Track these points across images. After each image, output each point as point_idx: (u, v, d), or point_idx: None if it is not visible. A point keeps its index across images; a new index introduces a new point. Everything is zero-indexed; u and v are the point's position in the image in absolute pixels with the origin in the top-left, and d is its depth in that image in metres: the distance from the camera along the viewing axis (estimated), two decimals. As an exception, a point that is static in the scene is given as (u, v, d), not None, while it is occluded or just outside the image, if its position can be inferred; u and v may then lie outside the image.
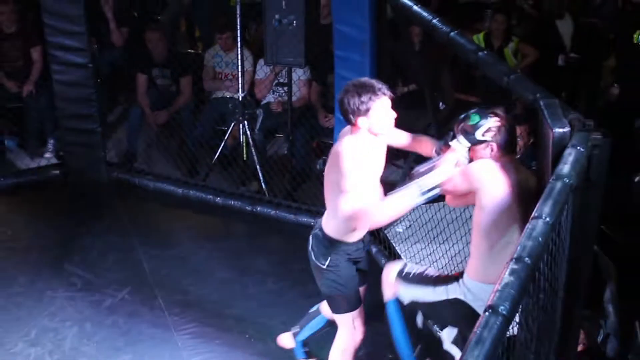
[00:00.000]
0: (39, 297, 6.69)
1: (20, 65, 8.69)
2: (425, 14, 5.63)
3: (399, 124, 7.61)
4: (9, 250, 7.35)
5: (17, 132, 8.85)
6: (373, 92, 4.53)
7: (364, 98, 4.49)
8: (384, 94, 4.59)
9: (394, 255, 6.88)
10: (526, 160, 6.59)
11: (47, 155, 8.74)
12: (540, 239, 2.93)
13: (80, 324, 6.30)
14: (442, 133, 7.74)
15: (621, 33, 7.82)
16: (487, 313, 2.60)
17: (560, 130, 3.72)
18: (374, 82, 4.61)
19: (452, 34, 5.16)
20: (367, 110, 4.53)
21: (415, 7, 5.77)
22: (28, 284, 6.87)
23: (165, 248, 7.28)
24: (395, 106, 7.39)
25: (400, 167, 7.73)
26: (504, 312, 2.59)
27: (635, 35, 7.61)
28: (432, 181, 4.36)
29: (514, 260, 2.82)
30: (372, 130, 4.65)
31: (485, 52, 5.08)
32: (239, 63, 8.03)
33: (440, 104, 8.07)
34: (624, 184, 6.42)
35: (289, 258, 7.23)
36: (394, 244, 6.98)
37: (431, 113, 7.35)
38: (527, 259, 2.82)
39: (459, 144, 4.42)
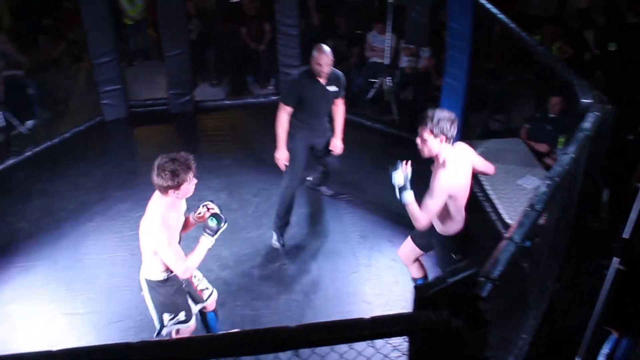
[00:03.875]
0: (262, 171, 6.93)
1: (258, 33, 8.79)
2: (506, 20, 5.43)
3: (480, 89, 7.39)
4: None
5: (255, 72, 9.00)
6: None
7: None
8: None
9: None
10: (561, 119, 6.40)
11: (270, 87, 8.89)
12: (565, 166, 2.88)
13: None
14: (507, 95, 7.59)
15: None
16: (527, 209, 2.57)
17: (586, 101, 3.61)
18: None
19: (522, 33, 4.98)
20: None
21: (500, 15, 5.58)
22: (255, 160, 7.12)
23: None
24: (479, 76, 7.23)
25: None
26: (539, 208, 2.56)
27: (610, 44, 7.39)
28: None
29: (547, 177, 2.78)
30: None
31: (543, 47, 4.91)
32: (388, 42, 7.93)
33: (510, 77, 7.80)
34: (622, 139, 6.16)
35: (408, 158, 7.20)
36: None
37: (503, 82, 7.20)
38: (556, 177, 2.77)
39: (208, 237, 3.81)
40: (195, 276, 4.22)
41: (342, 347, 4.51)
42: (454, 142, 3.92)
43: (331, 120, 5.64)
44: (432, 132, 3.85)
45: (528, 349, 4.03)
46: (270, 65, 8.70)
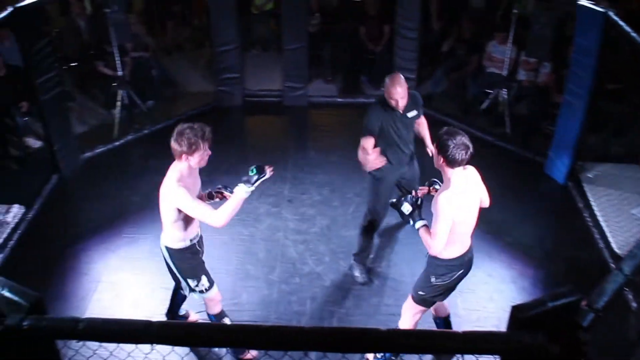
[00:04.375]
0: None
1: (377, 33, 8.78)
2: (638, 38, 5.16)
3: (601, 110, 7.00)
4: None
5: (369, 72, 8.98)
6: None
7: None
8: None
9: (582, 191, 6.50)
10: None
11: (383, 88, 8.63)
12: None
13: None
14: (631, 119, 7.20)
15: None
16: (641, 240, 2.44)
17: None
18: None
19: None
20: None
21: (633, 34, 5.31)
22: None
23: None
24: (602, 98, 6.88)
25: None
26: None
27: None
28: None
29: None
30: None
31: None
32: (508, 53, 7.72)
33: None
34: None
35: (517, 173, 7.05)
36: (583, 183, 6.59)
37: (627, 105, 6.87)
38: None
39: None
40: None
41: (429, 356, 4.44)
42: (459, 165, 3.78)
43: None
44: (437, 149, 3.79)
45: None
46: (386, 66, 8.65)
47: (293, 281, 5.39)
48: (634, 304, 4.72)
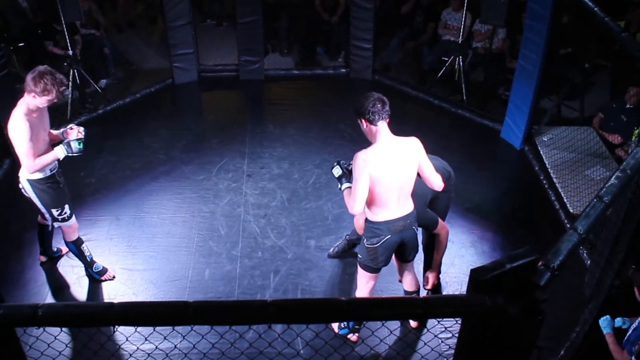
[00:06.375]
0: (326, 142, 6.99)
1: (332, 4, 8.72)
2: (590, 3, 5.21)
3: (554, 75, 7.07)
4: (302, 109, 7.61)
5: (325, 43, 8.97)
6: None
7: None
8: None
9: (539, 155, 6.63)
10: (638, 111, 6.18)
11: (340, 59, 8.82)
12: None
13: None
14: (583, 82, 7.32)
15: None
16: (594, 200, 2.49)
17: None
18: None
19: (606, 18, 4.77)
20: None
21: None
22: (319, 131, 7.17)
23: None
24: (555, 61, 6.95)
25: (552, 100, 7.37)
26: (607, 201, 2.48)
27: None
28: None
29: (620, 169, 2.68)
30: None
31: (626, 33, 4.68)
32: (463, 20, 7.77)
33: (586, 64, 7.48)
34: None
35: (474, 140, 7.15)
36: (539, 147, 6.70)
37: (578, 68, 6.96)
38: (628, 170, 2.68)
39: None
40: None
41: (393, 324, 4.51)
42: (380, 118, 3.80)
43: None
44: (357, 114, 3.83)
45: (581, 342, 3.95)
46: (342, 37, 8.64)
47: (256, 255, 5.38)
48: (588, 262, 4.86)
